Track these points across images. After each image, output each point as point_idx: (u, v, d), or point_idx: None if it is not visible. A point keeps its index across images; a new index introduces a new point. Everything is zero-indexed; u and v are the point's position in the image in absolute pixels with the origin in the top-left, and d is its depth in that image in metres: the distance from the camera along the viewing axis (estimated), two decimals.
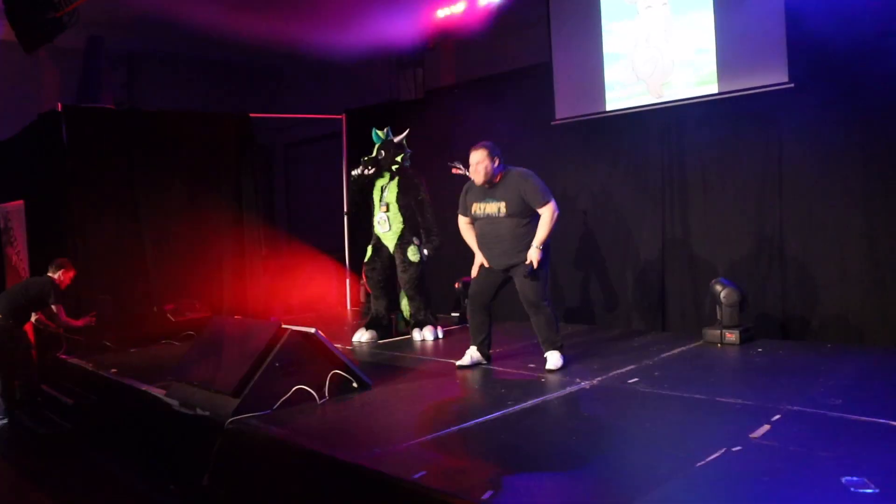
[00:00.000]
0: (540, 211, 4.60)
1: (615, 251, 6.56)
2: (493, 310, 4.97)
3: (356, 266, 8.01)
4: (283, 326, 4.22)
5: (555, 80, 6.81)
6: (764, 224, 5.68)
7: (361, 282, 7.74)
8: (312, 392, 4.09)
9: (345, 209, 8.66)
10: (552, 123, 6.87)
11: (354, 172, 6.16)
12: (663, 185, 6.23)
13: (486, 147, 4.62)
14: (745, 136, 5.75)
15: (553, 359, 4.72)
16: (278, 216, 10.05)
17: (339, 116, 8.73)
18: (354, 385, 4.32)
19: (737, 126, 5.79)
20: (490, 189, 4.68)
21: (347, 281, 8.69)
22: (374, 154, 6.13)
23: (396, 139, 6.19)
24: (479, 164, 4.61)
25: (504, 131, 7.01)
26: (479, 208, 4.72)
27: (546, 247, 4.65)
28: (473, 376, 4.70)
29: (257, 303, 7.72)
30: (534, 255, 4.58)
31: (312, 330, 4.13)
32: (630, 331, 6.15)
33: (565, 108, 6.79)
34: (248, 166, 7.81)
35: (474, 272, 4.90)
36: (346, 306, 8.72)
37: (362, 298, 8.09)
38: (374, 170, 6.08)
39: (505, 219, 4.62)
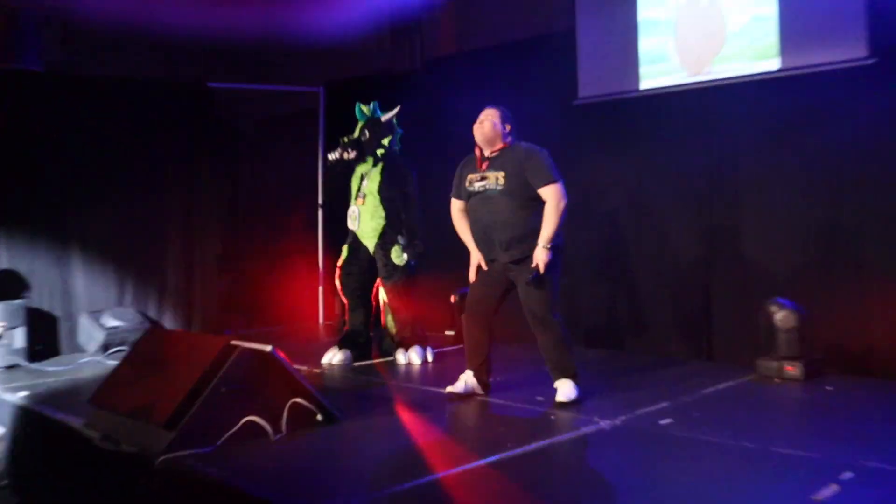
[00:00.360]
0: (542, 193, 4.60)
1: (650, 259, 6.49)
2: (494, 326, 4.90)
3: (332, 270, 7.91)
4: (233, 342, 4.13)
5: (578, 50, 6.75)
6: (835, 230, 5.57)
7: (336, 289, 7.66)
8: (266, 425, 4.00)
9: (319, 201, 8.56)
10: (574, 103, 6.80)
11: (331, 156, 6.14)
12: (710, 181, 6.15)
13: (499, 109, 4.83)
14: (813, 122, 5.64)
15: (564, 389, 4.64)
16: (240, 207, 9.95)
17: (316, 89, 8.62)
18: (319, 417, 4.23)
19: (803, 110, 5.68)
20: (489, 160, 4.77)
21: (320, 288, 8.63)
22: (357, 134, 6.08)
23: (384, 117, 6.16)
24: (485, 119, 4.78)
25: (516, 111, 6.91)
26: (476, 179, 4.78)
27: (556, 247, 4.60)
28: (467, 409, 4.63)
29: (209, 312, 7.66)
30: (540, 257, 4.53)
31: (269, 348, 4.05)
32: (666, 359, 6.07)
33: (590, 86, 6.73)
34: (205, 147, 7.72)
35: (472, 275, 4.86)
36: (317, 319, 8.67)
37: (338, 310, 8.02)
38: (354, 153, 6.02)
39: (503, 197, 4.64)
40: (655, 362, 5.93)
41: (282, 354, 4.08)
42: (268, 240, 9.37)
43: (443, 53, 8.24)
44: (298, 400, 4.15)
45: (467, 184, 4.82)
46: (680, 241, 6.30)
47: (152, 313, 7.28)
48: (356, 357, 6.10)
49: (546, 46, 7.12)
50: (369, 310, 6.23)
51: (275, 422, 4.04)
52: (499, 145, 4.77)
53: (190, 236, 7.65)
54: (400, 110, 6.23)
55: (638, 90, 6.41)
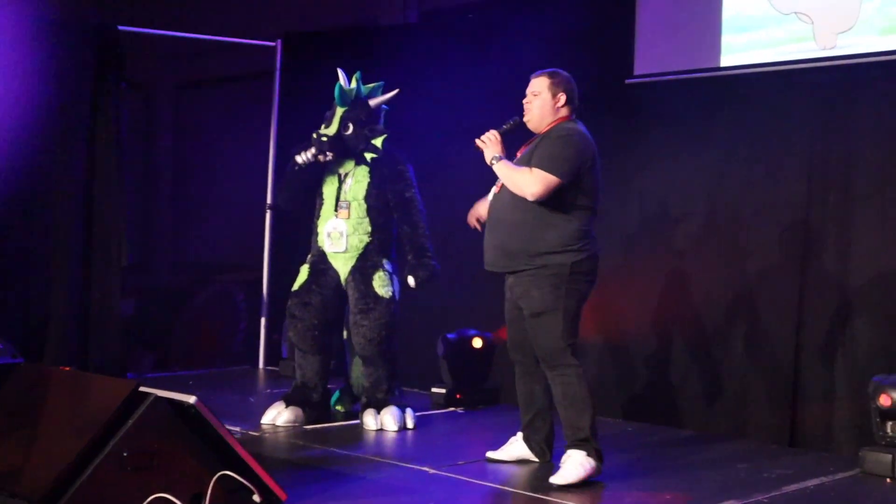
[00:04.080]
0: (530, 170, 4.87)
1: (719, 300, 6.54)
2: None
3: (280, 298, 7.93)
4: (143, 389, 4.15)
5: (637, 12, 6.85)
6: None
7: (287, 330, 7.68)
8: None
9: (268, 201, 8.60)
10: (627, 82, 6.89)
11: (300, 158, 6.16)
12: (811, 198, 6.21)
13: (551, 75, 5.13)
14: None
15: (568, 466, 4.80)
16: (158, 201, 10.00)
17: (272, 43, 8.72)
18: (256, 498, 4.24)
19: None
20: (534, 140, 5.08)
21: (263, 321, 8.66)
22: (336, 128, 6.11)
23: (375, 101, 6.21)
24: (533, 95, 5.09)
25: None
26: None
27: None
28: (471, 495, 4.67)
29: (108, 347, 7.63)
30: (488, 142, 4.97)
31: (192, 399, 4.08)
32: (734, 441, 6.13)
33: (651, 59, 6.82)
34: (110, 116, 7.73)
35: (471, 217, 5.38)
36: (257, 362, 8.70)
37: (286, 353, 8.03)
38: (332, 155, 6.10)
39: (506, 192, 5.00)
40: (719, 445, 5.97)
41: (207, 409, 4.09)
42: (193, 249, 9.38)
43: (446, 3, 8.31)
44: (229, 473, 4.16)
45: None
46: (764, 277, 6.35)
47: (28, 343, 7.22)
48: (309, 418, 6.14)
49: (592, 3, 7.18)
50: (328, 356, 6.28)
51: (195, 502, 4.06)
52: (547, 124, 5.05)
53: (86, 239, 7.63)
54: (396, 94, 6.27)
55: (720, 67, 6.48)
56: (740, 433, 6.31)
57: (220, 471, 4.16)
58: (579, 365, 4.93)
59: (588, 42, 7.12)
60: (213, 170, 9.70)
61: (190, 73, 10.45)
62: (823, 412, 6.08)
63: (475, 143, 5.04)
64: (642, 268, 6.78)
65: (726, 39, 6.47)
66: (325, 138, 6.07)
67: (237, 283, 9.08)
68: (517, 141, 5.24)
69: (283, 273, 8.09)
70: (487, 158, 4.98)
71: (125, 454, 3.96)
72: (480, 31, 7.71)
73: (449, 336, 6.80)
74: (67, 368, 5.12)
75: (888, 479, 5.14)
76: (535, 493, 4.73)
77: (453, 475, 4.99)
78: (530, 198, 4.81)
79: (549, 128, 5.04)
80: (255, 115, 8.98)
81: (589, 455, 4.82)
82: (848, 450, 5.72)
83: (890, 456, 5.19)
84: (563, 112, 5.09)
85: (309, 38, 8.77)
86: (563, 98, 5.06)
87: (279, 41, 8.71)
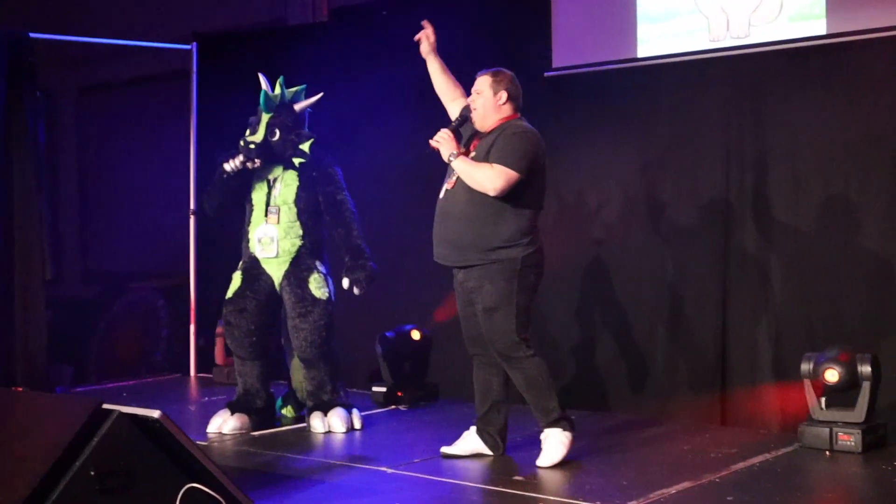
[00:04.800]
0: (491, 165, 4.94)
1: (646, 291, 6.63)
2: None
3: (209, 305, 7.86)
4: (105, 407, 4.06)
5: (553, 2, 6.89)
6: None
7: (218, 331, 7.62)
8: None
9: (191, 206, 8.52)
10: (546, 75, 6.94)
11: (228, 166, 6.14)
12: (728, 183, 6.33)
13: (493, 74, 5.19)
14: (871, 103, 5.84)
15: (550, 447, 5.00)
16: (68, 213, 9.78)
17: (188, 46, 8.64)
18: None
19: (857, 87, 5.89)
20: (482, 138, 5.13)
21: (192, 328, 8.56)
22: (262, 134, 6.09)
23: (300, 106, 6.22)
24: (476, 94, 5.18)
25: (464, 84, 6.99)
26: (449, 170, 5.19)
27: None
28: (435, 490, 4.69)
29: (34, 363, 7.45)
30: (442, 140, 5.02)
31: (156, 414, 4.01)
32: (670, 424, 6.21)
33: (569, 52, 6.87)
34: (26, 126, 7.56)
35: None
36: (189, 371, 8.60)
37: (219, 359, 7.98)
38: (259, 162, 6.10)
39: (461, 186, 5.05)
40: (658, 428, 6.08)
41: (172, 423, 4.02)
42: (106, 257, 9.23)
43: (356, 0, 8.26)
44: (197, 485, 4.13)
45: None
46: (688, 262, 6.46)
47: None
48: (255, 424, 6.13)
49: None
50: (268, 361, 6.28)
51: None
52: (491, 122, 5.14)
53: (8, 252, 7.47)
54: (321, 97, 6.28)
55: (636, 58, 6.57)
56: (670, 415, 6.38)
57: (187, 484, 4.12)
58: (535, 354, 5.07)
59: (505, 36, 7.18)
60: (125, 176, 9.53)
61: (95, 76, 10.25)
62: (751, 390, 6.19)
63: (430, 143, 5.07)
64: (566, 258, 6.80)
65: (642, 30, 6.55)
66: (252, 145, 6.04)
67: (157, 291, 8.94)
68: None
69: (208, 279, 8.03)
70: (444, 156, 5.02)
71: (92, 473, 3.89)
72: (393, 27, 7.66)
73: (387, 334, 6.82)
74: (20, 389, 5.02)
75: (827, 452, 5.29)
76: (496, 486, 4.77)
77: (412, 473, 5.02)
78: (492, 193, 4.87)
79: (497, 125, 5.13)
80: (167, 117, 8.86)
81: (565, 430, 5.02)
82: (778, 426, 5.91)
83: (828, 430, 5.33)
84: (507, 110, 5.17)
85: (220, 40, 8.71)
86: (504, 96, 5.14)
87: (195, 44, 8.63)
